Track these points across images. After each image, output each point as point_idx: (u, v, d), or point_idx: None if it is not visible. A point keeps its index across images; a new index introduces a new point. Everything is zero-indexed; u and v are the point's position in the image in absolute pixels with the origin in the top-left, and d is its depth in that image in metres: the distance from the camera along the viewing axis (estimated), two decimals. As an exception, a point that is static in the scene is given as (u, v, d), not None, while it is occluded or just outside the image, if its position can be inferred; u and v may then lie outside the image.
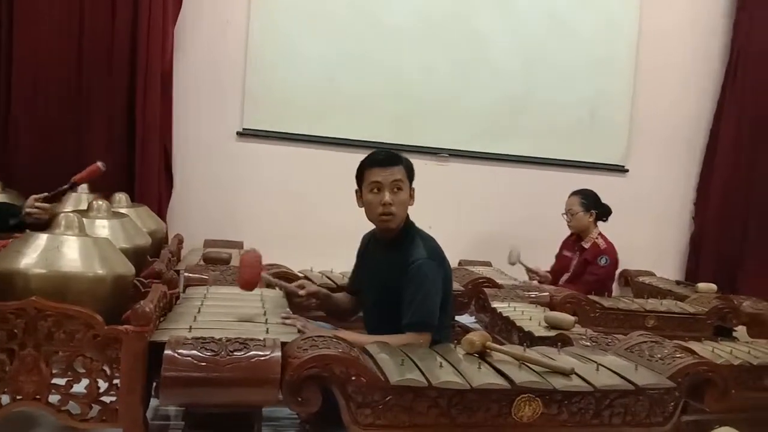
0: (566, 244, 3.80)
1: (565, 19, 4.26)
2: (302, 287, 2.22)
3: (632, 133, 4.44)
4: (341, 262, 3.02)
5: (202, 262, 2.76)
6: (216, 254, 2.82)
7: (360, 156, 2.18)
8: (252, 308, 1.99)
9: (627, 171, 4.46)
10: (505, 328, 2.55)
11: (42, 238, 1.79)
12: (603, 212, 3.67)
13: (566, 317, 2.34)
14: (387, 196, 2.06)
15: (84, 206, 2.60)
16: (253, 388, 1.50)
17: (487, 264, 3.89)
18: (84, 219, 2.00)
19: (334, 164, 3.88)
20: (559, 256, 3.82)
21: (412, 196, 2.15)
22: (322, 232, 3.77)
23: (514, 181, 4.26)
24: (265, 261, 2.91)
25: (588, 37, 4.31)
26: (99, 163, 2.62)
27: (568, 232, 3.77)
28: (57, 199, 2.33)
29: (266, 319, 1.87)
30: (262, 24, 3.81)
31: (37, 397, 1.59)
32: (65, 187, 2.52)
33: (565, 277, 3.70)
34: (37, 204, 2.31)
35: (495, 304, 2.71)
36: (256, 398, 1.54)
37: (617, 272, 3.85)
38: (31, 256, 1.74)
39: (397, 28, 4.01)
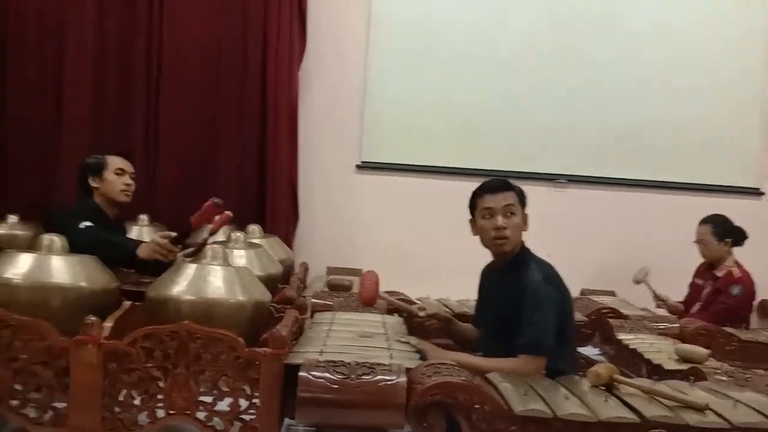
0: (699, 273, 3.60)
1: (682, 37, 4.10)
2: (422, 308, 2.28)
3: (768, 154, 4.14)
4: (458, 291, 3.06)
5: (326, 289, 2.90)
6: (339, 281, 2.96)
7: (476, 184, 2.24)
8: (375, 333, 2.08)
9: (762, 194, 4.15)
10: (631, 361, 2.45)
11: (192, 268, 1.98)
12: (737, 238, 3.44)
13: (699, 350, 2.22)
14: (500, 220, 2.10)
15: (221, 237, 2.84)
16: (379, 411, 1.57)
17: (611, 293, 3.75)
18: (224, 249, 2.19)
19: (451, 193, 3.89)
20: (692, 285, 3.61)
21: (525, 222, 2.17)
22: (438, 261, 3.83)
23: (635, 206, 4.10)
24: (383, 288, 3.03)
25: (709, 54, 4.11)
26: (213, 200, 2.80)
27: (698, 258, 3.57)
28: (180, 242, 2.40)
29: (389, 345, 1.95)
30: (380, 59, 3.98)
31: (187, 412, 1.74)
32: (185, 230, 2.57)
33: (697, 307, 3.49)
34: (166, 246, 2.36)
35: (620, 336, 2.62)
36: (382, 421, 1.61)
37: (755, 303, 3.57)
38: (182, 284, 1.93)
39: (510, 56, 4.03)
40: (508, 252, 2.15)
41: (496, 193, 2.14)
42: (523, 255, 2.18)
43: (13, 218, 3.20)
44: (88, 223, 2.48)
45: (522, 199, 2.18)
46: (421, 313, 2.29)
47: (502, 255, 2.18)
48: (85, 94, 3.59)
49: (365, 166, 4.02)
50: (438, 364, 1.67)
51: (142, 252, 2.41)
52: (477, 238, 2.21)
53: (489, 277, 2.32)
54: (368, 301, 2.06)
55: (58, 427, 1.75)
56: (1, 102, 3.59)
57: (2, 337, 1.75)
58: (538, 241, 2.26)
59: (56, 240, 1.97)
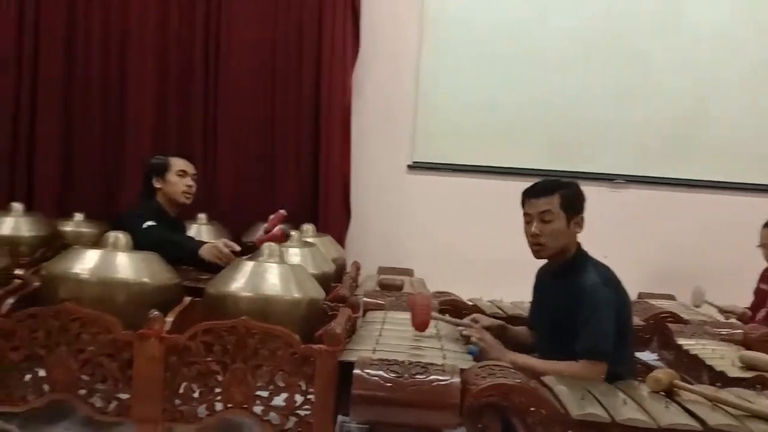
0: (763, 277, 3.44)
1: (736, 32, 3.95)
2: (476, 321, 2.26)
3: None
4: (510, 292, 3.02)
5: (377, 288, 2.92)
6: (390, 281, 2.97)
7: (527, 184, 2.23)
8: (427, 333, 2.07)
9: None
10: (692, 367, 2.37)
11: (249, 265, 2.03)
12: (804, 242, 3.28)
13: (766, 357, 2.13)
14: (534, 227, 2.10)
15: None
16: (433, 411, 1.57)
17: (670, 297, 3.63)
18: (279, 247, 2.23)
19: (501, 193, 3.87)
20: (757, 290, 3.46)
21: (579, 225, 2.13)
22: (490, 261, 3.80)
23: (694, 207, 3.96)
24: (434, 288, 3.04)
25: (764, 50, 3.95)
26: (282, 227, 2.83)
27: (761, 262, 3.42)
28: (243, 253, 2.46)
29: (442, 345, 1.95)
30: (432, 59, 3.98)
31: (245, 406, 1.79)
32: (250, 247, 2.68)
33: (763, 313, 3.34)
34: (227, 256, 2.43)
35: (681, 341, 2.53)
36: (436, 421, 1.60)
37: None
38: (240, 281, 1.98)
39: (561, 52, 3.97)
40: (562, 254, 2.12)
41: (533, 198, 2.14)
42: (580, 257, 2.15)
43: (79, 216, 3.34)
44: (151, 223, 2.56)
45: (569, 202, 2.12)
46: (475, 326, 2.27)
47: (554, 257, 2.15)
48: (147, 96, 3.71)
49: (416, 166, 4.03)
50: (492, 366, 1.65)
51: (204, 252, 2.48)
52: None
53: (544, 279, 2.29)
54: (421, 328, 2.05)
55: (122, 417, 1.83)
56: (68, 103, 3.74)
57: (71, 330, 1.83)
58: (594, 242, 2.21)
59: (121, 237, 2.05)
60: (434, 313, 2.18)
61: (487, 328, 2.29)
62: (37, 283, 2.10)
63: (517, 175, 3.87)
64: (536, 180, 2.24)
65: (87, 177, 3.76)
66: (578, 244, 2.17)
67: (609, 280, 2.08)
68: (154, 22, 3.71)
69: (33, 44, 3.68)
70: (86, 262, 1.96)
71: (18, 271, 2.32)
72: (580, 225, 2.15)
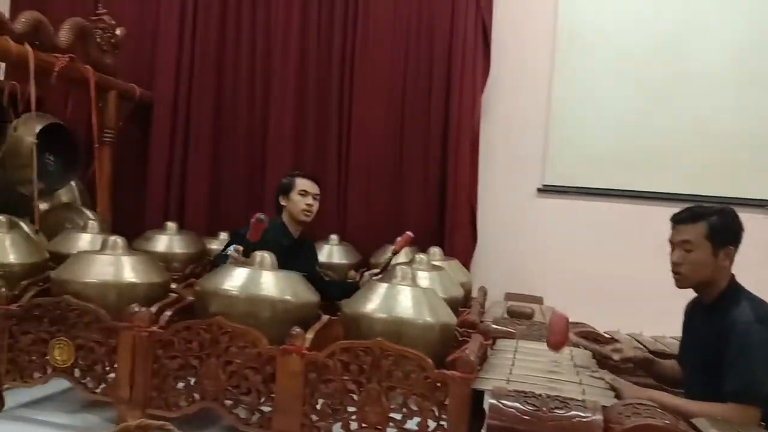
0: None
1: None
2: (618, 351, 2.15)
3: None
4: (650, 325, 2.85)
5: (506, 316, 2.86)
6: (520, 308, 2.90)
7: (669, 210, 2.12)
8: (563, 366, 2.00)
9: None
10: None
11: (383, 287, 2.08)
12: None
13: None
14: (674, 256, 2.02)
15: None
16: (573, 448, 1.51)
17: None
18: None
19: (639, 219, 3.72)
20: None
21: (729, 256, 1.98)
22: (627, 292, 3.59)
23: None
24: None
25: None
26: (408, 233, 2.90)
27: None
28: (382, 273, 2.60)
29: (580, 380, 1.87)
30: (565, 79, 3.87)
31: (379, 427, 1.82)
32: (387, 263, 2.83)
33: None
34: (238, 259, 2.42)
35: None
36: (575, 458, 1.54)
37: None
38: (375, 302, 2.03)
39: (705, 70, 3.71)
40: (711, 288, 1.99)
41: (675, 225, 2.06)
42: (732, 291, 1.99)
43: (224, 235, 3.59)
44: (230, 249, 2.65)
45: (719, 231, 1.97)
46: (616, 357, 2.17)
47: (704, 291, 2.03)
48: (287, 121, 3.93)
49: (547, 190, 3.92)
50: (637, 404, 1.57)
51: None
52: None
53: (694, 313, 2.14)
54: (557, 348, 1.98)
55: (264, 429, 1.92)
56: (216, 134, 4.05)
57: (220, 342, 1.97)
58: (747, 275, 2.04)
59: (266, 256, 2.18)
60: (572, 336, 2.11)
61: (631, 359, 2.18)
62: (190, 298, 2.28)
63: (657, 200, 3.67)
64: (679, 205, 2.13)
65: (231, 200, 4.03)
66: (731, 276, 2.01)
67: (765, 316, 1.90)
68: (294, 61, 3.93)
69: (187, 84, 4.05)
70: (235, 279, 2.10)
71: (172, 286, 2.53)
72: (730, 256, 1.99)
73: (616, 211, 3.82)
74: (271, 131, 3.95)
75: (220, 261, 2.50)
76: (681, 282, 2.04)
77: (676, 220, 2.06)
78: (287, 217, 2.94)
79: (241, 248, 2.36)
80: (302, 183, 2.94)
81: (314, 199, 2.95)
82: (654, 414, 1.51)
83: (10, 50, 2.96)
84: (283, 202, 2.95)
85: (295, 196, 2.91)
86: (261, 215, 2.42)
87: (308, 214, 2.91)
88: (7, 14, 3.27)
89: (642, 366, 2.21)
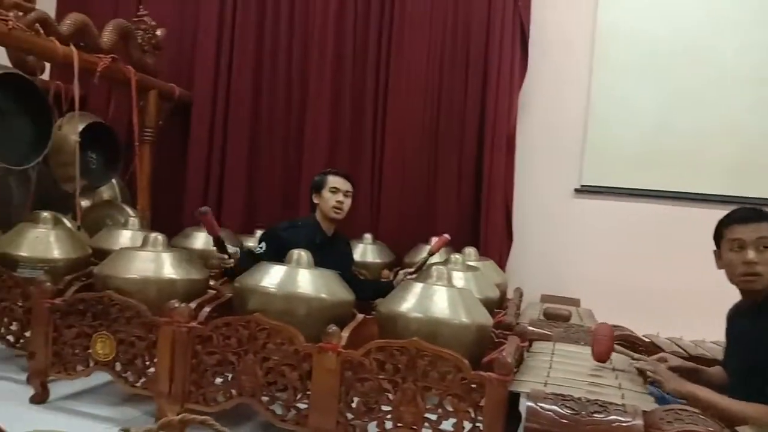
0: None
1: None
2: (664, 360, 2.10)
3: None
4: (689, 329, 2.79)
5: (542, 317, 2.82)
6: (556, 310, 2.85)
7: (706, 211, 2.06)
8: (602, 370, 1.97)
9: None
10: None
11: (418, 287, 2.08)
12: None
13: None
14: (751, 254, 1.88)
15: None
16: (613, 454, 1.48)
17: None
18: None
19: (678, 219, 3.64)
20: None
21: None
22: (665, 293, 3.52)
23: None
24: (601, 320, 2.86)
25: None
26: (446, 235, 2.93)
27: None
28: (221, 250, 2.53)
29: (620, 384, 1.83)
30: (604, 77, 3.81)
31: (414, 427, 1.82)
32: (422, 263, 2.86)
33: None
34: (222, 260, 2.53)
35: None
36: (616, 463, 1.52)
37: None
38: (411, 301, 2.03)
39: (746, 68, 3.62)
40: (760, 291, 1.91)
41: (748, 223, 1.92)
42: None
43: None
44: (259, 248, 2.68)
45: None
46: (662, 367, 2.11)
47: (751, 293, 1.94)
48: (323, 121, 3.95)
49: (584, 190, 3.86)
50: (679, 410, 1.53)
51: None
52: (712, 273, 2.01)
53: (737, 319, 2.07)
54: (602, 359, 1.94)
55: (300, 426, 1.94)
56: (253, 137, 4.10)
57: (258, 339, 1.99)
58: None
59: (303, 255, 2.20)
60: (618, 346, 2.07)
61: (676, 369, 2.12)
62: (228, 294, 2.31)
63: (696, 201, 3.59)
64: (721, 207, 2.05)
65: (267, 199, 4.08)
66: None
67: None
68: (330, 62, 3.94)
69: (225, 85, 4.11)
70: (272, 277, 2.12)
71: (211, 282, 2.57)
72: None
73: (653, 212, 3.74)
74: (307, 131, 3.98)
75: (245, 257, 2.54)
76: (758, 283, 1.90)
77: (749, 217, 1.93)
78: (320, 214, 2.96)
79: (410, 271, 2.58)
80: (333, 180, 2.95)
81: (345, 196, 2.95)
82: (697, 420, 1.48)
83: (56, 51, 3.04)
84: (315, 200, 2.97)
85: (326, 193, 2.92)
86: (201, 209, 2.44)
87: (338, 211, 2.92)
88: (52, 15, 3.37)
89: (689, 375, 2.15)
